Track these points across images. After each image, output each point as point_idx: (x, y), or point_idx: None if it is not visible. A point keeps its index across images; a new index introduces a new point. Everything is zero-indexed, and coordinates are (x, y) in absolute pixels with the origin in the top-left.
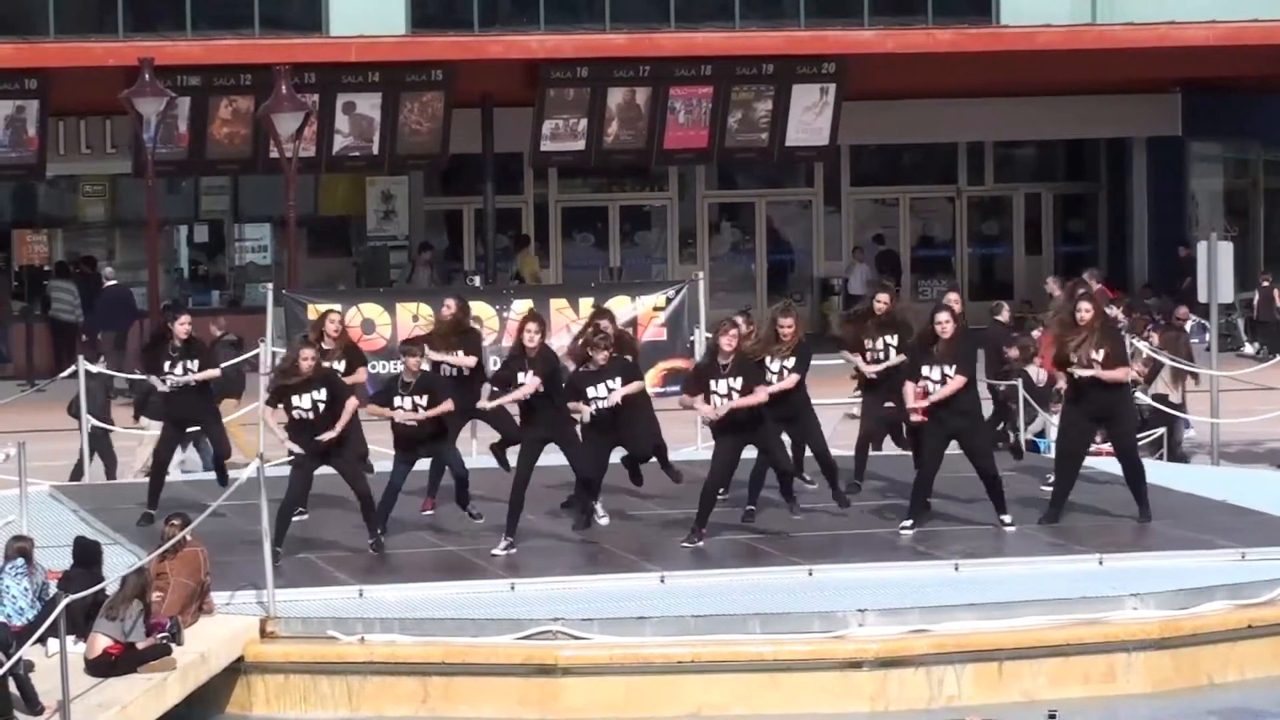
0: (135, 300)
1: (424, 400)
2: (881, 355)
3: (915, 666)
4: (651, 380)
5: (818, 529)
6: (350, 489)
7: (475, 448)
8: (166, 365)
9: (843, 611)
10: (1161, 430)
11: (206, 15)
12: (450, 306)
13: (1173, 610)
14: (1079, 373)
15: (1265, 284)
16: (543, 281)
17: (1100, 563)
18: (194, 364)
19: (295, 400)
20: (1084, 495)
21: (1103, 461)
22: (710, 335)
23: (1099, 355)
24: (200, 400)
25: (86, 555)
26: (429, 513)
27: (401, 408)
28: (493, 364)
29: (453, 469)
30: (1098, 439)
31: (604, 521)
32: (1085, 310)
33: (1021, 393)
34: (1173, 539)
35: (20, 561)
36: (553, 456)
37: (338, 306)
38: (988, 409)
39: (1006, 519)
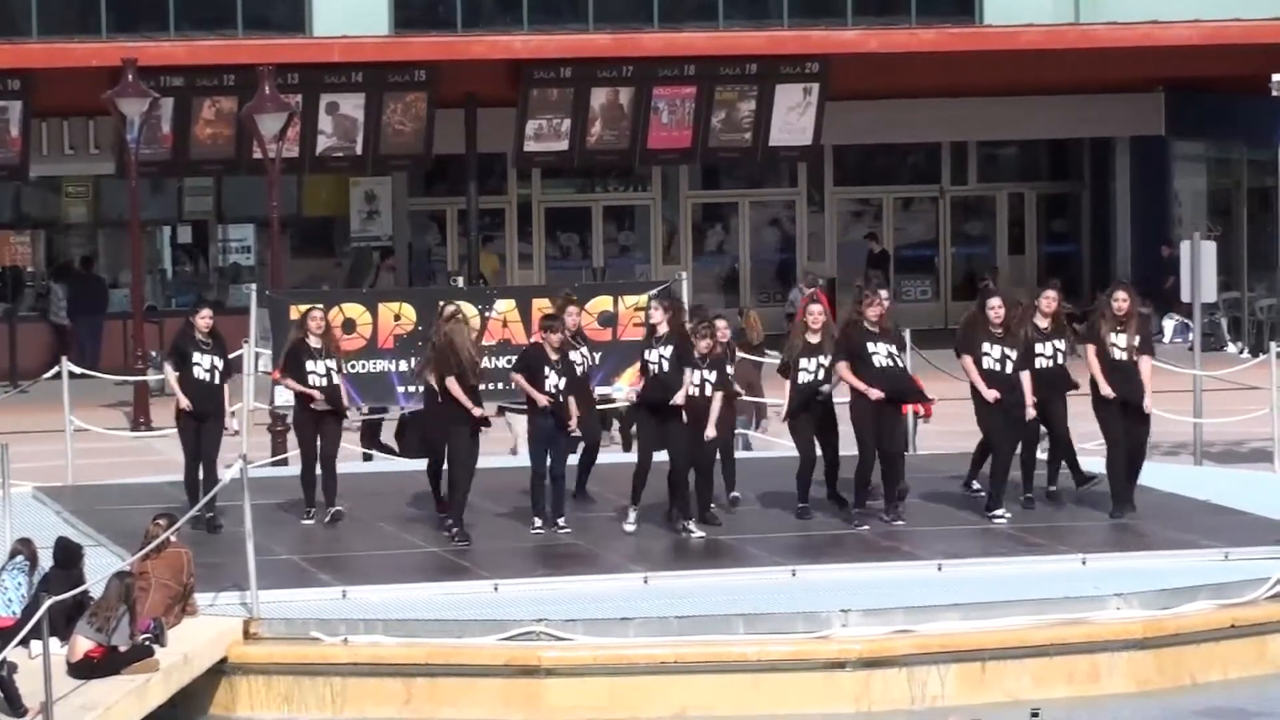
0: None
1: None
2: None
3: (899, 667)
4: (629, 379)
5: (801, 530)
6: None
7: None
8: (195, 355)
9: (826, 612)
10: None
11: (189, 16)
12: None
13: (1156, 610)
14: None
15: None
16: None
17: (1083, 563)
18: (219, 360)
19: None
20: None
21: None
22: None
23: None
24: (219, 394)
25: (67, 556)
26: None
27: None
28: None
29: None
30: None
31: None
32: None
33: None
34: (1156, 539)
35: (21, 559)
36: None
37: (319, 305)
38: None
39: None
